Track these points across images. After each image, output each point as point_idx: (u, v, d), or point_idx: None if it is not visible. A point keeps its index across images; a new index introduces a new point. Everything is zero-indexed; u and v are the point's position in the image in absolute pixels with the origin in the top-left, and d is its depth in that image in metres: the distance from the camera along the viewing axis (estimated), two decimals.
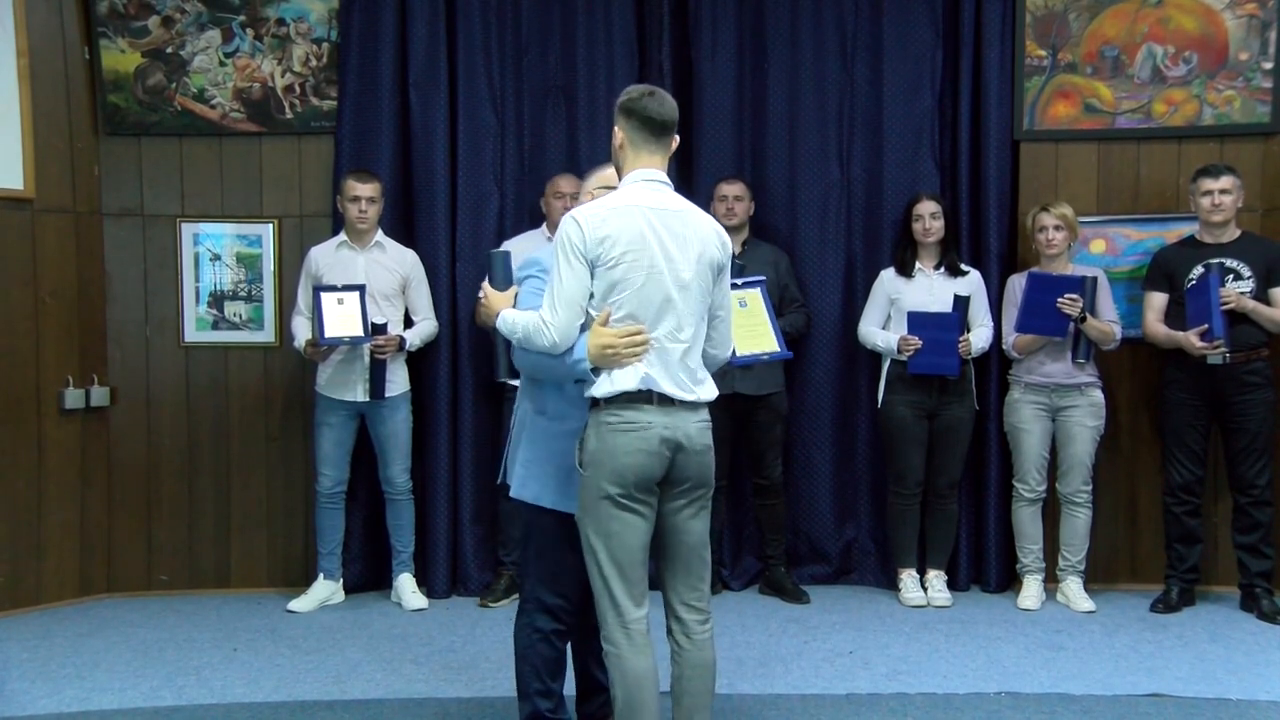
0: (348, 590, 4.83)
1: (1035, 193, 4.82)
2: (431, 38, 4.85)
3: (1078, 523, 4.62)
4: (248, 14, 4.88)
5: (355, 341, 4.50)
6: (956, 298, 4.56)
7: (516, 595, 3.22)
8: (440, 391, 4.84)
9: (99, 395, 4.87)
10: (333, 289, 4.50)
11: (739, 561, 5.00)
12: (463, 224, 4.88)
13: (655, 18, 4.92)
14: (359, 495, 4.87)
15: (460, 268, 4.87)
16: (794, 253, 4.92)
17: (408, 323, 4.73)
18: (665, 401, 2.72)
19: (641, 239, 2.71)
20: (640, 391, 2.69)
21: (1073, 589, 4.62)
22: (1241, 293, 4.40)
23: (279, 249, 4.95)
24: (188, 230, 4.94)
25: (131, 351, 4.96)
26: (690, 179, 4.91)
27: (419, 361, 4.81)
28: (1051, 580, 4.72)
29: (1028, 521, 4.68)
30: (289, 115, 4.93)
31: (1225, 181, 4.42)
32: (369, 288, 4.54)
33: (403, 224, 4.89)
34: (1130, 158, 4.88)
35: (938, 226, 4.63)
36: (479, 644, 4.21)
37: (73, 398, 4.77)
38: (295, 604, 4.67)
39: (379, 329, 4.52)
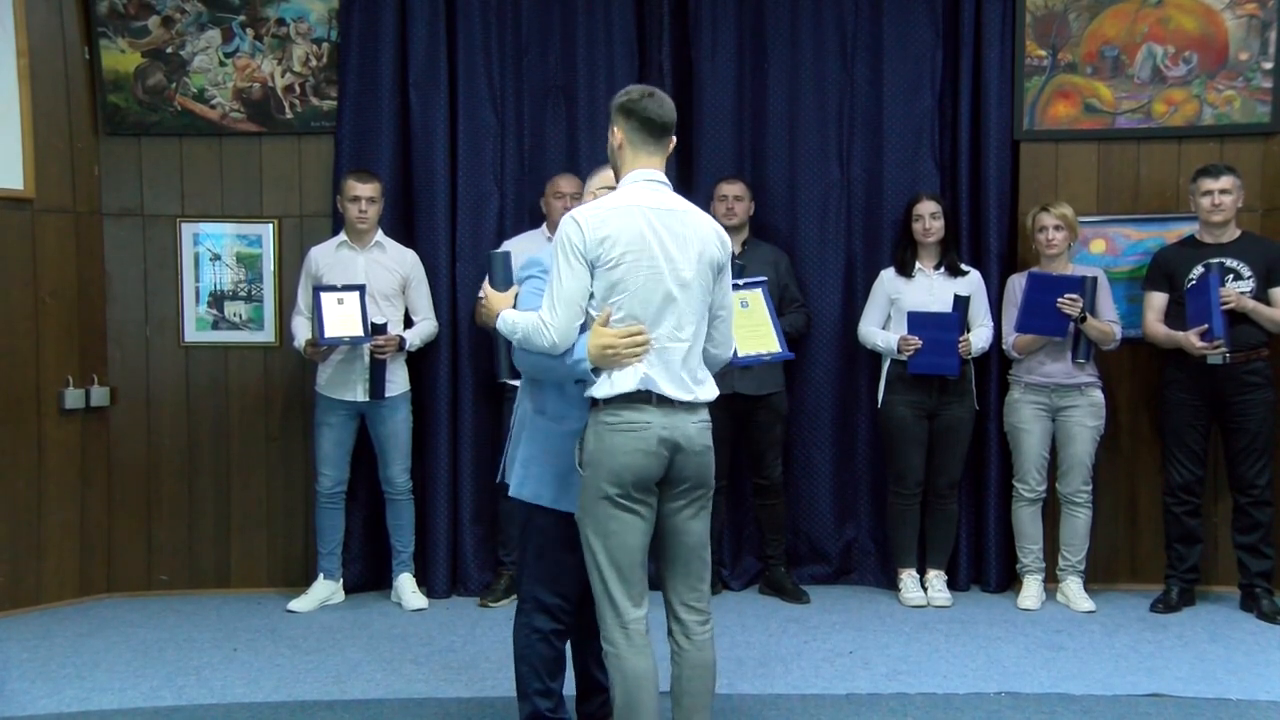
0: (348, 590, 4.83)
1: (1035, 193, 4.82)
2: (431, 38, 4.85)
3: (1078, 523, 4.62)
4: (248, 14, 4.88)
5: (355, 341, 4.50)
6: (956, 298, 4.56)
7: (516, 595, 3.22)
8: (440, 391, 4.84)
9: (99, 395, 4.87)
10: (333, 289, 4.50)
11: (739, 561, 5.01)
12: (463, 224, 4.88)
13: (655, 18, 4.92)
14: (359, 495, 4.87)
15: (460, 268, 4.87)
16: (794, 253, 4.92)
17: (408, 323, 4.74)
18: (664, 402, 2.72)
19: (642, 239, 2.71)
20: (640, 392, 2.69)
21: (1073, 589, 4.62)
22: (1241, 293, 4.40)
23: (279, 249, 4.95)
24: (188, 230, 4.94)
25: (131, 351, 4.96)
26: (690, 179, 4.91)
27: (419, 361, 4.81)
28: (1051, 580, 4.72)
29: (1028, 521, 4.68)
30: (289, 115, 4.93)
31: (1225, 181, 4.42)
32: (369, 288, 4.54)
33: (403, 224, 4.90)
34: (1130, 158, 4.88)
35: (938, 226, 4.63)
36: (479, 644, 4.21)
37: (73, 398, 4.77)
38: (295, 604, 4.67)
39: (379, 329, 4.52)
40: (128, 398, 4.95)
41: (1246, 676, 3.79)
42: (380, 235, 4.69)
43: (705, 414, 2.83)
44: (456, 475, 4.88)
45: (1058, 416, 4.62)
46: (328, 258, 4.65)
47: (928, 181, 4.85)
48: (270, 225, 4.95)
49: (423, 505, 4.83)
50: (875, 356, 4.80)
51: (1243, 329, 4.40)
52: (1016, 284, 4.66)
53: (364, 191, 4.57)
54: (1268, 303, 4.43)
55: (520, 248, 4.08)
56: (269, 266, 4.95)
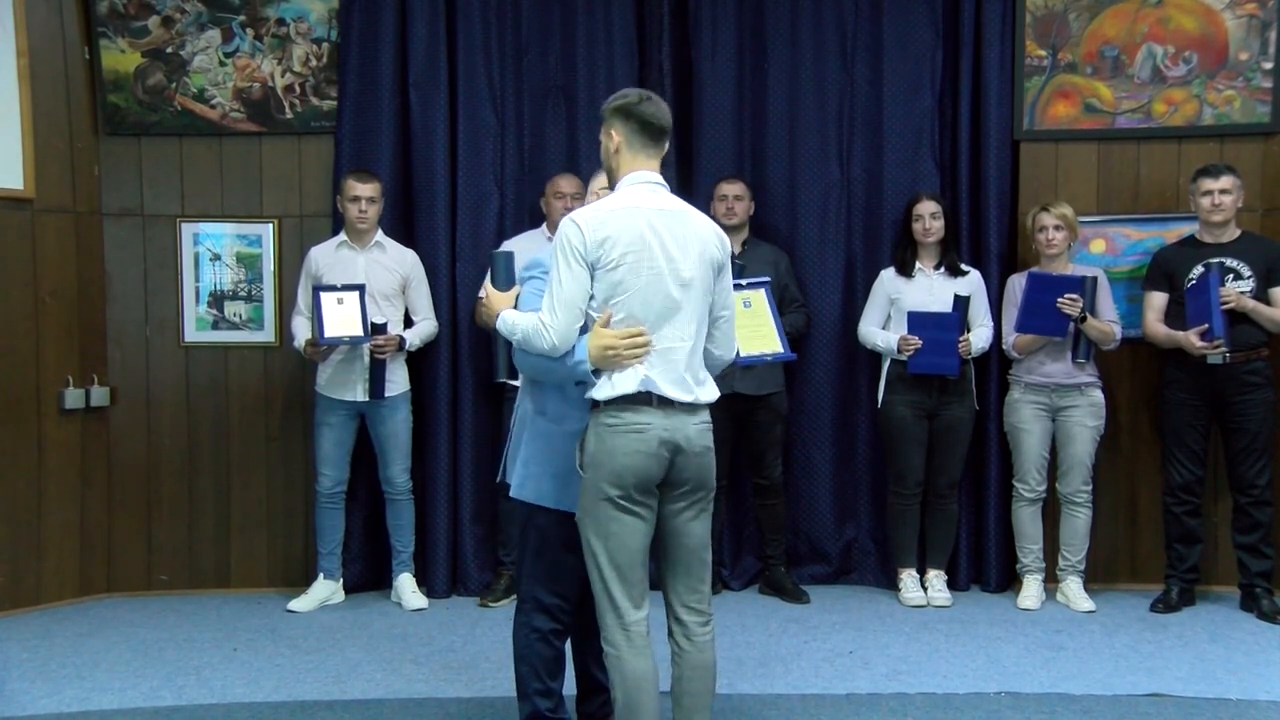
0: (348, 590, 4.84)
1: (1035, 193, 4.82)
2: (431, 38, 4.85)
3: (1078, 523, 4.62)
4: (248, 14, 4.88)
5: (355, 341, 4.50)
6: (956, 298, 4.56)
7: (516, 595, 3.22)
8: (440, 391, 4.84)
9: (99, 395, 4.87)
10: (332, 289, 4.50)
11: (739, 561, 5.01)
12: (463, 224, 4.88)
13: (655, 18, 4.92)
14: (359, 495, 4.87)
15: (460, 268, 4.87)
16: (794, 253, 4.92)
17: (407, 323, 4.74)
18: (665, 403, 2.72)
19: (642, 240, 2.72)
20: (640, 393, 2.70)
21: (1073, 589, 4.62)
22: (1241, 292, 4.40)
23: (279, 249, 4.95)
24: (188, 230, 4.94)
25: (131, 351, 4.96)
26: (690, 179, 4.92)
27: (419, 361, 4.81)
28: (1051, 580, 4.72)
29: (1028, 521, 4.68)
30: (289, 115, 4.93)
31: (1225, 181, 4.42)
32: (369, 288, 4.54)
33: (403, 224, 4.90)
34: (1130, 158, 4.88)
35: (938, 226, 4.63)
36: (479, 644, 4.21)
37: (73, 398, 4.77)
38: (295, 604, 4.67)
39: (379, 329, 4.52)
40: (128, 398, 4.95)
41: (1246, 676, 3.79)
42: (380, 235, 4.69)
43: (706, 415, 2.83)
44: (456, 475, 4.88)
45: (1058, 416, 4.62)
46: (328, 258, 4.65)
47: (928, 181, 4.85)
48: (270, 225, 4.95)
49: (423, 505, 4.83)
50: (875, 356, 4.80)
51: (1243, 329, 4.40)
52: (1016, 284, 4.66)
53: (364, 191, 4.57)
54: (1268, 302, 4.43)
55: (520, 248, 4.06)
56: (269, 266, 4.95)
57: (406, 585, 4.75)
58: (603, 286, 2.71)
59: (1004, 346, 4.70)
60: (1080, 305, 4.44)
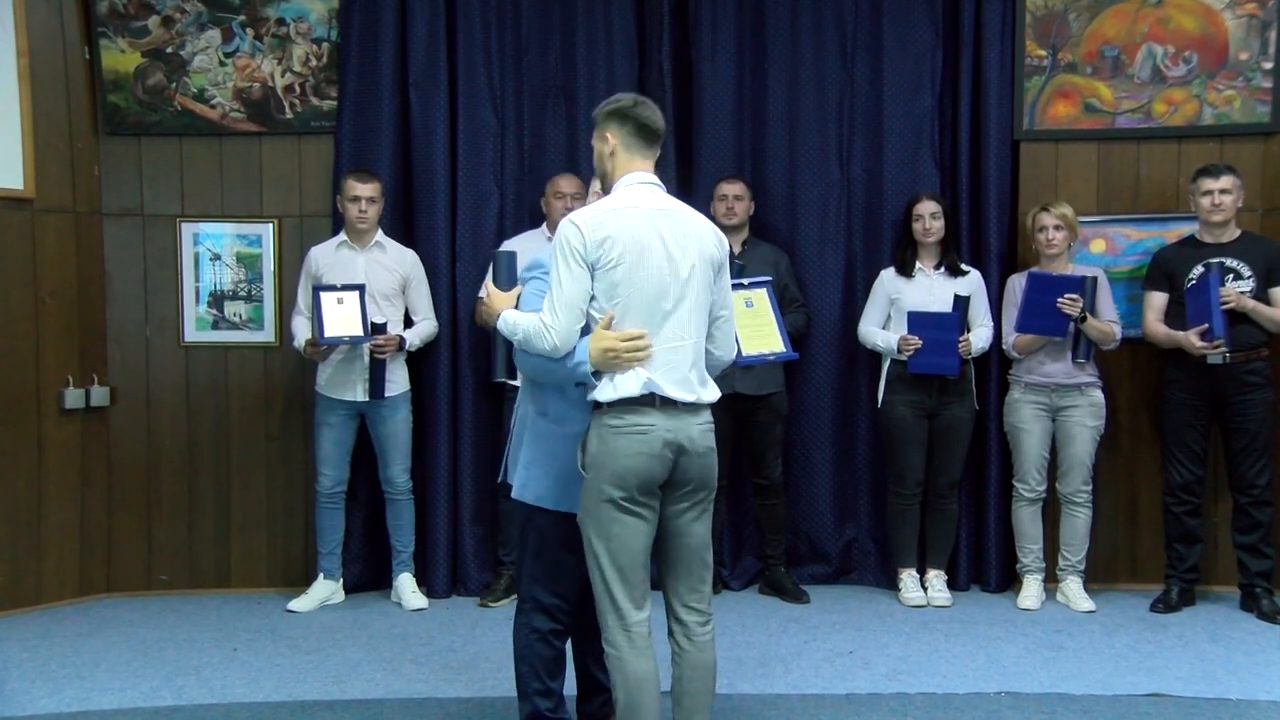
0: (348, 590, 4.83)
1: (1035, 193, 4.82)
2: (431, 38, 4.85)
3: (1078, 523, 4.62)
4: (248, 14, 4.88)
5: (355, 341, 4.50)
6: (956, 297, 4.56)
7: (516, 595, 3.22)
8: (440, 391, 4.84)
9: (99, 395, 4.87)
10: (332, 289, 4.50)
11: (739, 561, 5.00)
12: (463, 224, 4.88)
13: (655, 18, 4.92)
14: (359, 495, 4.87)
15: (460, 268, 4.87)
16: (794, 253, 4.92)
17: (407, 323, 4.73)
18: (668, 404, 2.72)
19: (642, 239, 2.72)
20: (643, 395, 2.69)
21: (1073, 589, 4.62)
22: (1241, 292, 4.40)
23: (279, 249, 4.95)
24: (188, 230, 4.94)
25: (131, 351, 4.96)
26: (690, 179, 4.92)
27: (419, 361, 4.81)
28: (1051, 580, 4.72)
29: (1028, 521, 4.68)
30: (289, 115, 4.93)
31: (1225, 181, 4.42)
32: (369, 288, 4.54)
33: (403, 224, 4.90)
34: (1130, 158, 4.88)
35: (938, 226, 4.63)
36: (479, 644, 4.21)
37: (73, 398, 4.77)
38: (295, 604, 4.67)
39: (379, 329, 4.52)
40: (128, 398, 4.95)
41: (1246, 676, 3.79)
42: (380, 235, 4.69)
43: (708, 416, 2.83)
44: (456, 475, 4.88)
45: (1058, 416, 4.62)
46: (328, 257, 4.65)
47: (928, 181, 4.85)
48: (270, 225, 4.95)
49: (423, 505, 4.83)
50: (875, 356, 4.80)
51: (1243, 329, 4.40)
52: (1016, 284, 4.66)
53: (364, 191, 4.57)
54: (1268, 302, 4.43)
55: (520, 248, 4.06)
56: (269, 266, 4.95)
57: (406, 585, 4.75)
58: (603, 286, 2.71)
59: (1004, 346, 4.70)
60: (1080, 305, 4.44)
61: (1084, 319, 4.45)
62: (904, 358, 4.57)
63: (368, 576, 4.94)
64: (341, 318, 4.46)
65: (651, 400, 2.70)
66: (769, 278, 4.08)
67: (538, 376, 2.89)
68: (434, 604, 4.74)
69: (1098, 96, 4.84)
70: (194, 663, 4.01)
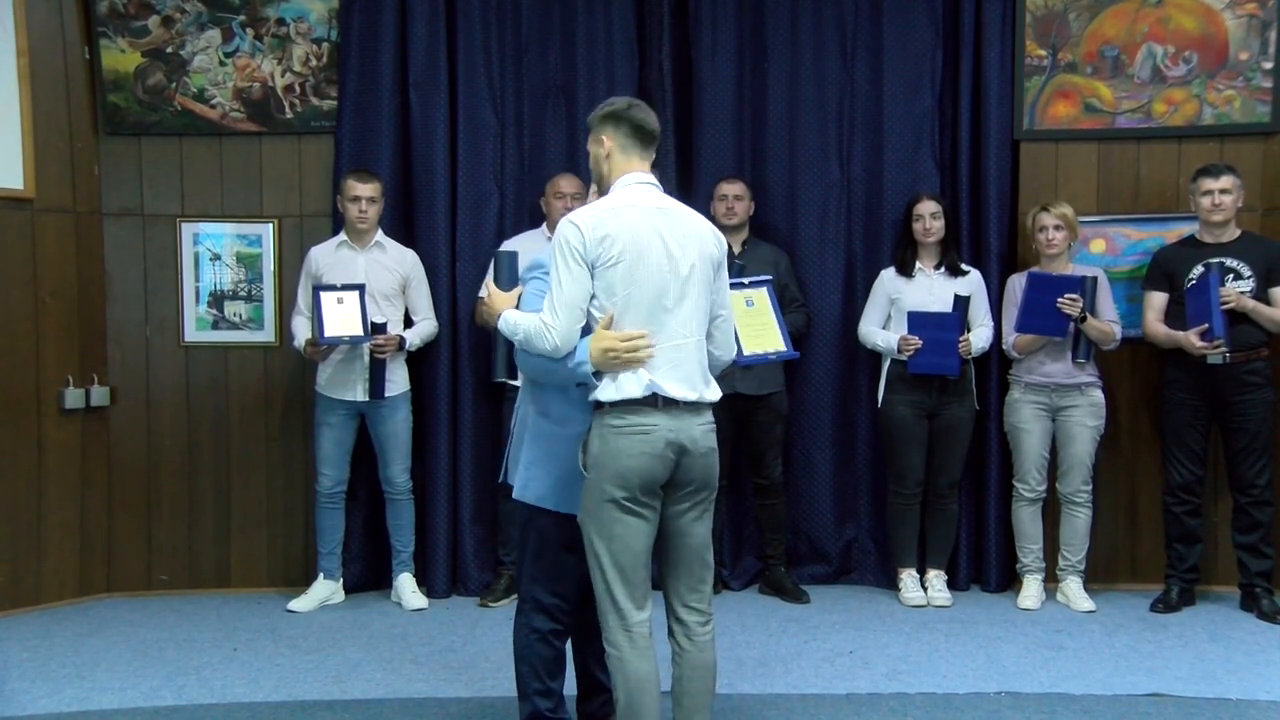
0: (348, 590, 4.83)
1: (1035, 193, 4.82)
2: (431, 38, 4.85)
3: (1078, 523, 4.62)
4: (248, 14, 4.88)
5: (355, 341, 4.50)
6: (957, 297, 4.56)
7: (516, 595, 3.22)
8: (440, 391, 4.84)
9: (99, 395, 4.87)
10: (332, 288, 4.50)
11: (739, 561, 5.00)
12: (463, 224, 4.88)
13: (655, 18, 4.92)
14: (359, 495, 4.87)
15: (460, 268, 4.87)
16: (794, 253, 4.92)
17: (407, 323, 4.73)
18: (670, 404, 2.72)
19: (642, 237, 2.73)
20: (645, 395, 2.70)
21: (1073, 589, 4.62)
22: (1241, 292, 4.40)
23: (279, 249, 4.95)
24: (188, 230, 4.94)
25: (131, 351, 4.96)
26: (690, 179, 4.92)
27: (419, 361, 4.81)
28: (1051, 580, 4.72)
29: (1028, 521, 4.68)
30: (289, 115, 4.93)
31: (1225, 181, 4.42)
32: (369, 287, 4.54)
33: (403, 224, 4.89)
34: (1130, 158, 4.88)
35: (938, 226, 4.63)
36: (479, 644, 4.21)
37: (73, 398, 4.77)
38: (295, 604, 4.67)
39: (379, 328, 4.52)
40: (128, 398, 4.95)
41: (1246, 676, 3.79)
42: (380, 235, 4.69)
43: (710, 416, 2.84)
44: (456, 475, 4.88)
45: (1058, 416, 4.62)
46: (328, 257, 4.65)
47: (928, 181, 4.85)
48: (270, 225, 4.95)
49: (423, 505, 4.83)
50: (875, 356, 4.80)
51: (1243, 329, 4.40)
52: (1016, 284, 4.66)
53: (364, 191, 4.57)
54: (1268, 302, 4.43)
55: (521, 247, 4.06)
56: (269, 266, 4.95)
57: (406, 585, 4.75)
58: (603, 285, 2.71)
59: (1004, 346, 4.70)
60: (1080, 305, 4.44)
61: (1084, 319, 4.45)
62: (904, 358, 4.57)
63: (368, 576, 4.94)
64: (341, 317, 4.46)
65: (654, 400, 2.70)
66: (769, 276, 4.08)
67: (538, 377, 2.89)
68: (434, 604, 4.74)
69: (1098, 96, 4.84)
70: (194, 663, 4.01)
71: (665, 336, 2.74)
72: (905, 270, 4.68)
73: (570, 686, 3.16)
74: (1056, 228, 4.52)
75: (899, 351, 4.58)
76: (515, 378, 3.13)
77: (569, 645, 3.11)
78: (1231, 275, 4.44)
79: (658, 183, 2.88)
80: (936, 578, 4.74)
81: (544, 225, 4.69)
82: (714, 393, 2.83)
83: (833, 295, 4.94)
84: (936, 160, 4.91)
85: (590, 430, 2.76)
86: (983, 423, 4.81)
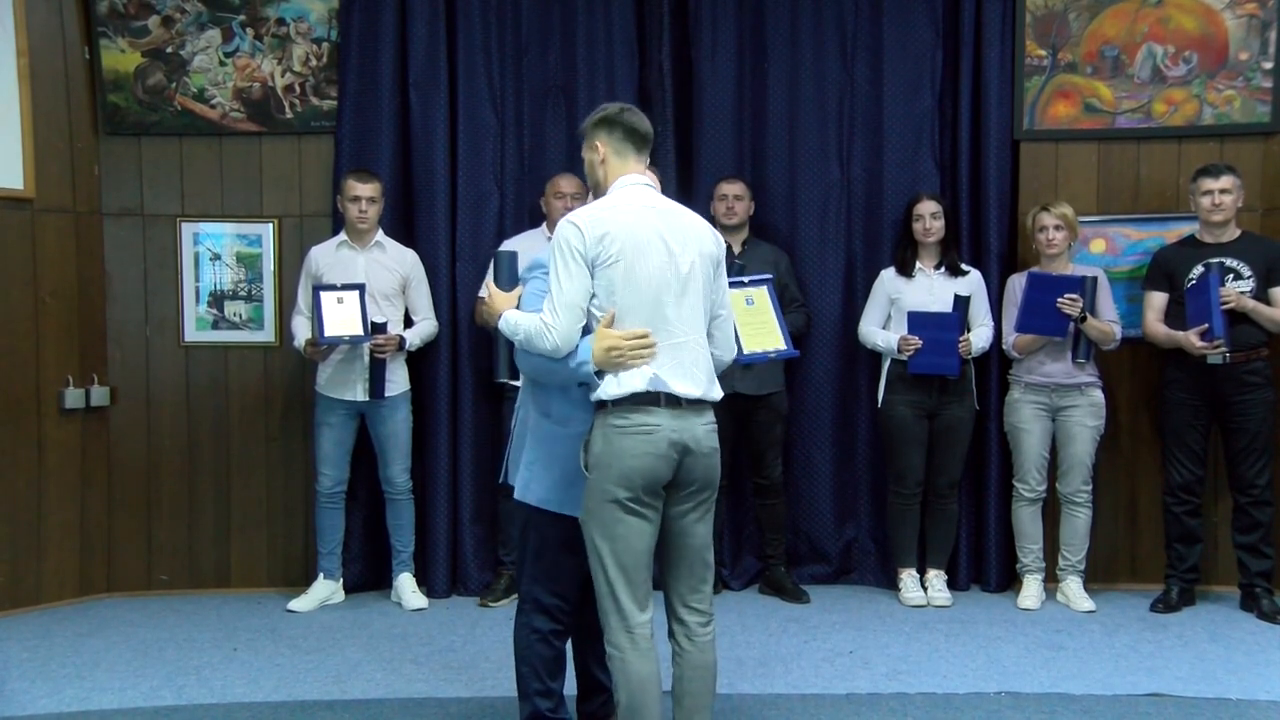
0: (348, 590, 4.83)
1: (1035, 193, 4.82)
2: (431, 38, 4.85)
3: (1078, 522, 4.62)
4: (248, 14, 4.88)
5: (355, 341, 4.50)
6: (957, 297, 4.56)
7: (516, 595, 3.22)
8: (440, 391, 4.84)
9: (99, 395, 4.87)
10: (332, 288, 4.50)
11: (739, 561, 5.00)
12: (463, 224, 4.88)
13: (655, 18, 4.92)
14: (359, 495, 4.87)
15: (460, 268, 4.87)
16: (794, 253, 4.92)
17: (407, 322, 4.73)
18: (673, 403, 2.73)
19: (641, 235, 2.73)
20: (648, 394, 2.70)
21: (1073, 589, 4.62)
22: (1241, 292, 4.40)
23: (279, 249, 4.95)
24: (188, 230, 4.94)
25: (131, 351, 4.96)
26: (690, 179, 4.92)
27: (419, 361, 4.81)
28: (1051, 580, 4.72)
29: (1028, 521, 4.68)
30: (289, 115, 4.93)
31: (1225, 181, 4.42)
32: (369, 287, 4.54)
33: (403, 224, 4.89)
34: (1130, 158, 4.88)
35: (938, 226, 4.63)
36: (479, 644, 4.21)
37: (73, 398, 4.77)
38: (295, 604, 4.67)
39: (379, 328, 4.52)
40: (128, 398, 4.95)
41: (1246, 676, 3.79)
42: (380, 235, 4.69)
43: (712, 416, 2.84)
44: (456, 475, 4.88)
45: (1058, 416, 4.62)
46: (328, 257, 4.65)
47: (928, 181, 4.85)
48: (270, 225, 4.95)
49: (423, 505, 4.83)
50: (875, 356, 4.80)
51: (1243, 329, 4.40)
52: (1016, 284, 4.66)
53: (364, 191, 4.57)
54: (1268, 302, 4.43)
55: (521, 247, 4.06)
56: (269, 266, 4.95)
57: (406, 585, 4.75)
58: (603, 283, 2.71)
59: (1004, 346, 4.70)
60: (1080, 305, 4.44)
61: (1084, 319, 4.45)
62: (904, 358, 4.57)
63: (368, 576, 4.94)
64: (341, 317, 4.46)
65: (657, 399, 2.70)
66: (769, 275, 4.08)
67: (539, 376, 2.89)
68: (434, 604, 4.74)
69: (1098, 96, 4.84)
70: (194, 663, 4.01)
71: (667, 334, 2.74)
72: (905, 270, 4.68)
73: (570, 686, 3.16)
74: (1056, 228, 4.53)
75: (899, 351, 4.58)
76: (517, 378, 3.12)
77: (569, 645, 3.11)
78: (1231, 275, 4.44)
79: (655, 183, 2.89)
80: (936, 578, 4.74)
81: (544, 225, 4.69)
82: (716, 391, 2.83)
83: (833, 295, 4.94)
84: (936, 160, 4.91)
85: (592, 430, 2.76)
86: (983, 423, 4.81)
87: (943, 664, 3.93)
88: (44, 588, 4.75)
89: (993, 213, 4.85)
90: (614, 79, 4.86)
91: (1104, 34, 4.82)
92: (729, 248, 4.48)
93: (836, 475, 5.00)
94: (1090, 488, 4.62)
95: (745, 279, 3.83)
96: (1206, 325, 4.32)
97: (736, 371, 4.20)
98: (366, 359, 4.57)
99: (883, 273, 4.76)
